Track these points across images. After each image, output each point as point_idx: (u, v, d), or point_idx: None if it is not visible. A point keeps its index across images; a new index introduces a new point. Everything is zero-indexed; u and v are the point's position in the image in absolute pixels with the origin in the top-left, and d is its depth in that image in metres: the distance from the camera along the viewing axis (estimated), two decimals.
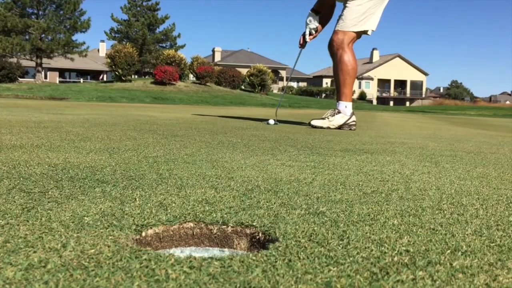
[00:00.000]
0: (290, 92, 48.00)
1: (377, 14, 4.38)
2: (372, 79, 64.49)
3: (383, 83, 66.58)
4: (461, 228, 0.93)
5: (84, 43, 33.64)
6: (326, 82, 63.83)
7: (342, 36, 4.36)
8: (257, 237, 0.85)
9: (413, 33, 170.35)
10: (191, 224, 0.90)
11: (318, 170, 1.63)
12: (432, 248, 0.79)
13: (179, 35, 43.02)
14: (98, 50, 59.50)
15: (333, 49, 4.42)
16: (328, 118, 4.42)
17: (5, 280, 0.60)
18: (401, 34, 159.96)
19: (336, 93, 4.59)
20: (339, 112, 4.41)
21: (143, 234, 0.83)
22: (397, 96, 66.31)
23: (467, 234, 0.88)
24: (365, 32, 4.42)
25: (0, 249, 0.71)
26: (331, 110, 4.55)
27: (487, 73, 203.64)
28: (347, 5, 4.37)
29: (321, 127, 4.33)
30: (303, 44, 4.77)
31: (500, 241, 0.85)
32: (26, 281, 0.60)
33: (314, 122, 4.41)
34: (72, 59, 34.46)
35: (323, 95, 56.09)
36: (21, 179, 1.26)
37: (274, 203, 1.08)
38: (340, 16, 4.44)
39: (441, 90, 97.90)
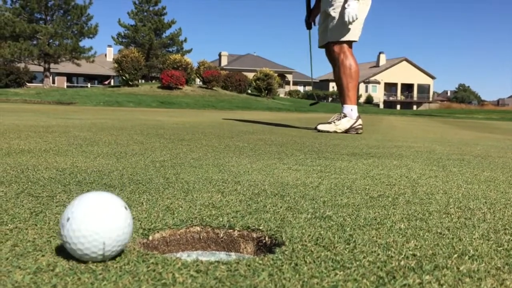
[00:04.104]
0: (297, 96, 47.96)
1: (361, 22, 4.41)
2: (378, 83, 64.31)
3: (390, 87, 66.35)
4: (468, 232, 0.93)
5: (91, 48, 33.85)
6: (333, 86, 63.54)
7: (341, 42, 4.38)
8: (264, 241, 0.86)
9: (420, 37, 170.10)
10: (198, 228, 0.90)
11: (325, 174, 1.63)
12: (439, 252, 0.79)
13: (185, 40, 43.18)
14: (106, 55, 59.82)
15: (334, 55, 4.44)
16: (334, 122, 4.41)
17: (14, 284, 0.60)
18: (408, 38, 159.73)
19: (340, 98, 4.57)
20: (345, 116, 4.41)
21: (150, 238, 0.84)
22: (404, 100, 66.03)
23: (474, 238, 0.88)
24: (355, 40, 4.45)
25: (9, 252, 0.72)
26: (337, 114, 4.54)
27: (495, 77, 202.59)
28: (333, 14, 4.39)
29: (328, 131, 4.33)
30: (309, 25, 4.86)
31: (508, 245, 0.85)
32: (34, 285, 0.60)
33: (320, 127, 4.41)
34: (79, 65, 34.67)
35: (330, 99, 56.00)
36: (29, 183, 1.27)
37: (281, 207, 1.08)
38: (333, 24, 4.42)
39: (449, 94, 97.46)
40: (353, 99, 4.45)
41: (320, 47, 4.69)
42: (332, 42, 4.42)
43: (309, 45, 5.05)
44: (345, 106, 4.44)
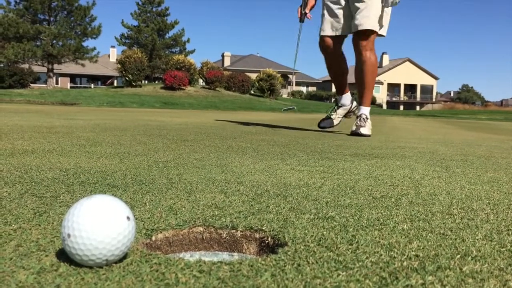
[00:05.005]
0: (300, 97, 47.94)
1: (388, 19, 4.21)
2: (382, 83, 64.19)
3: (393, 88, 66.26)
4: (471, 233, 0.93)
5: (94, 48, 33.93)
6: None
7: (369, 35, 3.97)
8: (266, 241, 0.86)
9: (423, 37, 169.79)
10: (201, 229, 0.90)
11: (328, 175, 1.63)
12: (442, 253, 0.79)
13: (188, 40, 43.23)
14: (109, 56, 59.93)
15: (362, 43, 3.97)
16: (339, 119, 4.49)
17: (17, 284, 0.61)
18: (411, 38, 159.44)
19: (359, 97, 4.18)
20: (366, 119, 4.06)
21: (153, 238, 0.84)
22: (407, 100, 65.93)
23: (477, 239, 0.88)
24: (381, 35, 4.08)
25: (13, 252, 0.72)
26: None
27: (499, 77, 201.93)
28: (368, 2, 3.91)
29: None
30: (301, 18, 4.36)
31: (511, 246, 0.85)
32: (38, 285, 0.61)
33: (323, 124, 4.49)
34: (82, 65, 34.77)
35: (333, 99, 55.95)
36: (33, 183, 1.28)
37: (283, 208, 1.08)
38: (360, 14, 3.94)
39: (452, 94, 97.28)
40: (369, 100, 4.13)
41: (329, 36, 4.17)
42: (367, 30, 3.90)
43: (297, 38, 4.91)
44: (364, 108, 4.10)
